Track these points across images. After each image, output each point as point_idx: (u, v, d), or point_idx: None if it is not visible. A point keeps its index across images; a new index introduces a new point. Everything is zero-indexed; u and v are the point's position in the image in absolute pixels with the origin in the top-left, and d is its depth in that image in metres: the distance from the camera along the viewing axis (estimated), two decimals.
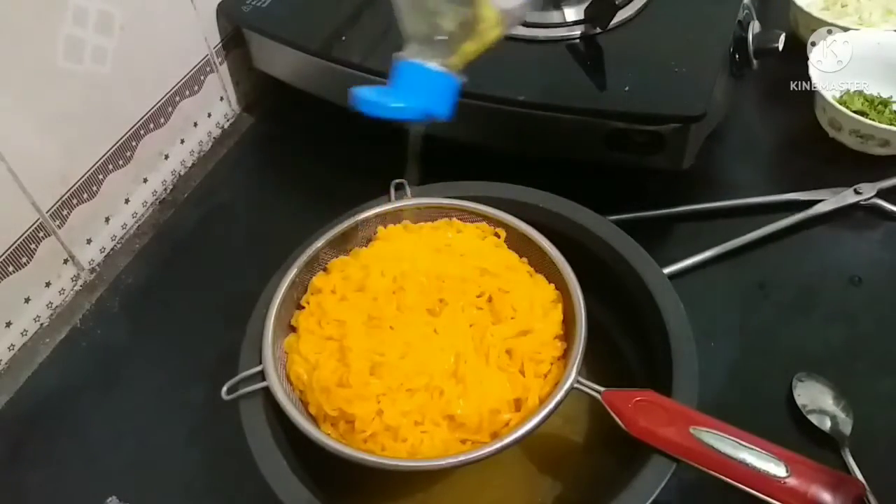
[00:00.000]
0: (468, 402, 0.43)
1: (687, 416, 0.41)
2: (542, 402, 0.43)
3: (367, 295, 0.48)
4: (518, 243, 0.51)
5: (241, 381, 0.45)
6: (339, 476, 0.44)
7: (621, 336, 0.53)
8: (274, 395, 0.44)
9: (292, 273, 0.49)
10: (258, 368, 0.45)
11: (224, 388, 0.45)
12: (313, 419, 0.45)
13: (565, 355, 0.46)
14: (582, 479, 0.49)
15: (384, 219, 0.53)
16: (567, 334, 0.47)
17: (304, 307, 0.49)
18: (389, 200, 0.53)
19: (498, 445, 0.41)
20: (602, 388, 0.43)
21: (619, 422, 0.42)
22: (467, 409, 0.43)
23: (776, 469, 0.38)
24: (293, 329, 0.49)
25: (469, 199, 0.53)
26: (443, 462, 0.41)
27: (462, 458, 0.41)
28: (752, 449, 0.39)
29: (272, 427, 0.44)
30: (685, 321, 0.46)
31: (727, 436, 0.40)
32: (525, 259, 0.51)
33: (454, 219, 0.53)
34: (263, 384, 0.45)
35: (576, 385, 0.43)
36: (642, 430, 0.41)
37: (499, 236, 0.52)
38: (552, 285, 0.49)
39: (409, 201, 0.53)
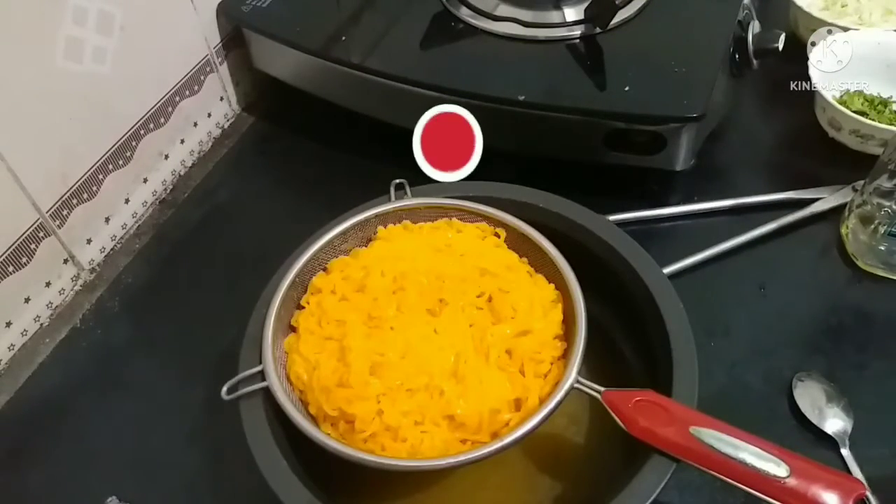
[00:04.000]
0: (468, 402, 0.43)
1: (687, 416, 0.41)
2: (543, 402, 0.43)
3: (367, 295, 0.48)
4: (518, 243, 0.51)
5: (241, 381, 0.45)
6: (339, 476, 0.44)
7: (621, 336, 0.53)
8: (274, 395, 0.44)
9: (292, 273, 0.49)
10: (258, 368, 0.45)
11: (224, 388, 0.45)
12: (313, 419, 0.45)
13: (565, 355, 0.46)
14: (582, 478, 0.49)
15: (384, 219, 0.53)
16: (567, 334, 0.47)
17: (304, 307, 0.49)
18: (389, 200, 0.53)
19: (498, 445, 0.41)
20: (602, 388, 0.43)
21: (619, 422, 0.42)
22: (467, 409, 0.43)
23: (776, 469, 0.38)
24: (293, 329, 0.49)
25: (469, 199, 0.53)
26: (443, 462, 0.41)
27: (462, 458, 0.41)
28: (752, 449, 0.39)
29: (272, 427, 0.44)
30: (685, 321, 0.46)
31: (727, 436, 0.39)
32: (525, 259, 0.51)
33: (454, 219, 0.53)
34: (263, 384, 0.45)
35: (576, 385, 0.43)
36: (642, 429, 0.41)
37: (499, 236, 0.52)
38: (552, 285, 0.49)
39: (409, 201, 0.53)
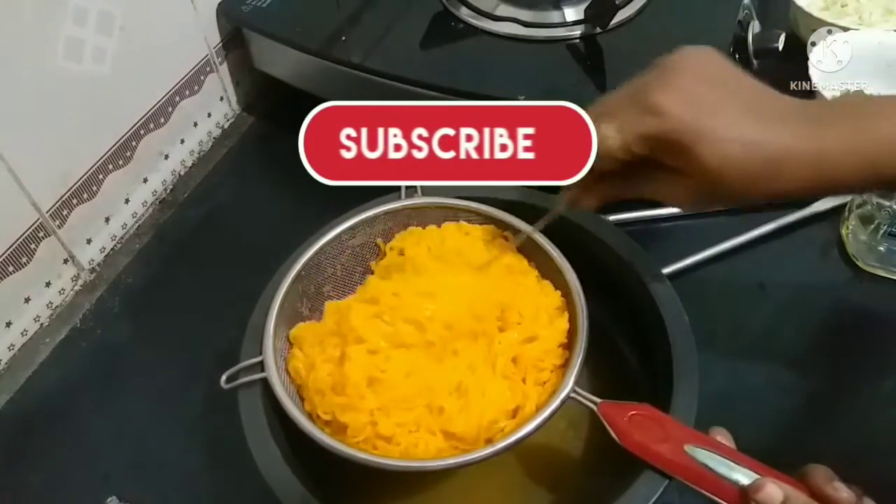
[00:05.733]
0: (468, 417, 0.42)
1: (682, 434, 0.40)
2: (539, 410, 0.43)
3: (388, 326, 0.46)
4: (526, 248, 0.50)
5: (242, 370, 0.45)
6: (333, 470, 0.44)
7: (623, 340, 0.53)
8: (272, 386, 0.44)
9: (298, 265, 0.49)
10: (258, 359, 0.45)
11: (224, 377, 0.45)
12: (308, 415, 0.45)
13: (565, 364, 0.45)
14: (577, 489, 0.48)
15: (393, 216, 0.52)
16: (569, 343, 0.46)
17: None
18: (400, 198, 0.53)
19: (490, 451, 0.41)
20: (598, 400, 0.42)
21: (614, 435, 0.41)
22: (467, 426, 0.42)
23: None
24: (301, 319, 0.49)
25: (475, 201, 0.52)
26: (434, 464, 0.41)
27: (453, 461, 0.41)
28: (745, 470, 0.38)
29: (268, 417, 0.44)
30: (687, 329, 0.46)
31: (722, 455, 0.39)
32: (533, 264, 0.50)
33: (462, 221, 0.52)
34: (262, 375, 0.45)
35: (572, 395, 0.43)
36: (636, 444, 0.40)
37: (506, 239, 0.51)
38: (558, 292, 0.48)
39: (417, 200, 0.52)
